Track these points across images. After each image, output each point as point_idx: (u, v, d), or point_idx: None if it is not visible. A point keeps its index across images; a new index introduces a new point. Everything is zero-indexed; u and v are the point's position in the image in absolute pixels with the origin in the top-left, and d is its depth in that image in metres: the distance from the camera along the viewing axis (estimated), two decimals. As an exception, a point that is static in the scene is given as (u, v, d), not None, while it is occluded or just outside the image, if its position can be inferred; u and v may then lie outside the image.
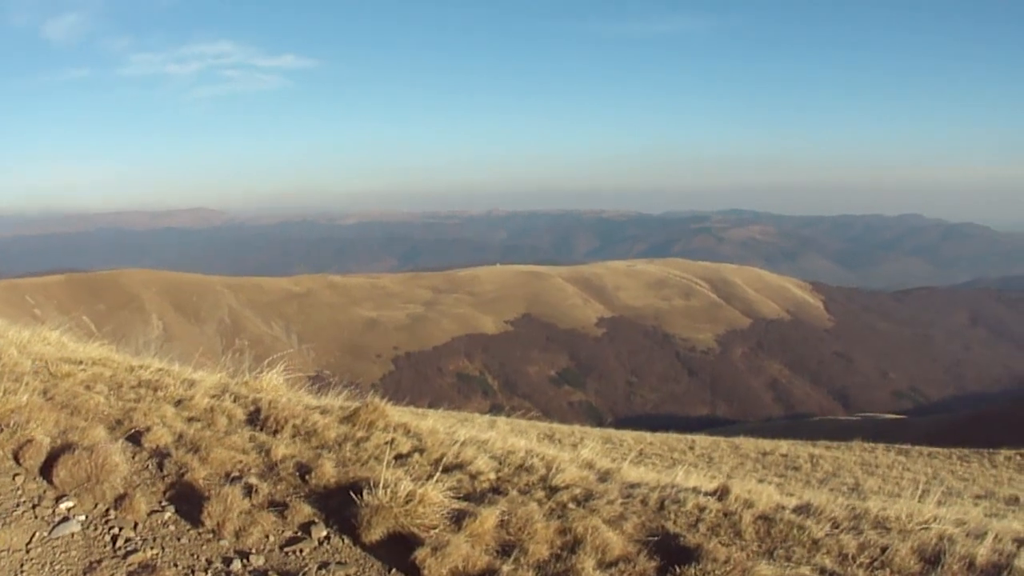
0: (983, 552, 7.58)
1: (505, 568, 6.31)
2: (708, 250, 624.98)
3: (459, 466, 8.76)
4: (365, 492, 7.15)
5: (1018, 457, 38.53)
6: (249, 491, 7.45)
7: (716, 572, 6.49)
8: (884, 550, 7.49)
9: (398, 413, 10.71)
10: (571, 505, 7.85)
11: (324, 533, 7.09)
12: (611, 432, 41.19)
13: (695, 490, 8.67)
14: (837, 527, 8.02)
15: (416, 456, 9.07)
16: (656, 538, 7.26)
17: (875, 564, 7.34)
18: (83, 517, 7.10)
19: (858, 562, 7.34)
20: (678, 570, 6.55)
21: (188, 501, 7.37)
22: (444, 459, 8.79)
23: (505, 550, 6.79)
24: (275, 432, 9.40)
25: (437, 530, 6.90)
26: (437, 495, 7.17)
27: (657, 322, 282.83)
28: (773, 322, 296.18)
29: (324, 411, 10.35)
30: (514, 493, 8.08)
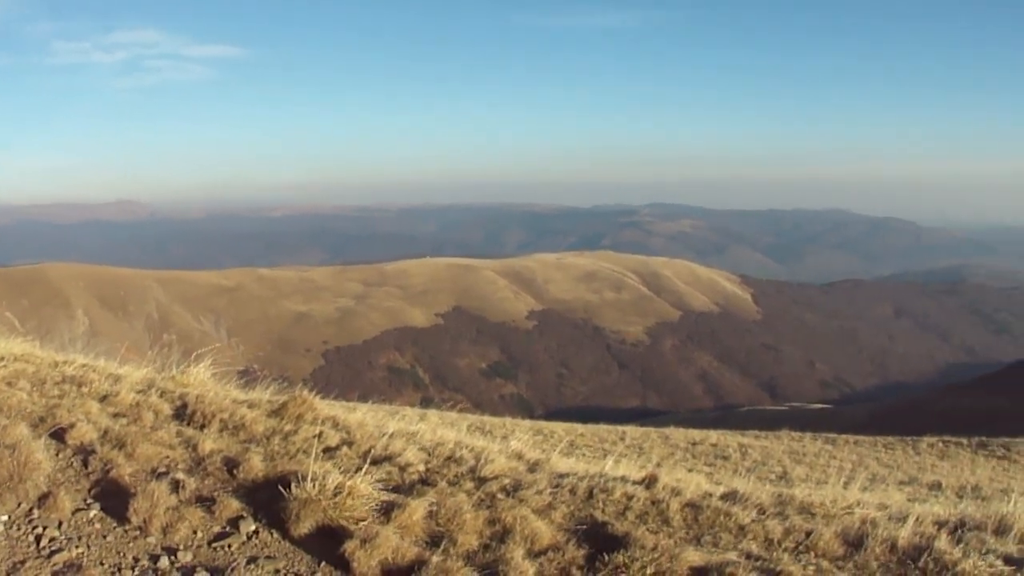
0: (905, 535, 7.71)
1: (434, 559, 6.30)
2: (638, 243, 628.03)
3: (388, 458, 8.73)
4: (294, 486, 7.11)
5: (940, 444, 39.24)
6: (176, 486, 7.38)
7: (644, 559, 6.53)
8: (809, 534, 7.60)
9: (327, 406, 10.67)
10: (500, 495, 7.86)
11: (253, 527, 7.04)
12: (542, 424, 41.38)
13: (623, 479, 8.72)
14: (763, 513, 8.13)
15: (345, 449, 9.03)
16: (585, 527, 7.29)
17: (800, 548, 7.45)
18: (5, 517, 6.99)
19: (783, 546, 7.45)
20: (606, 558, 6.58)
21: (114, 498, 7.28)
22: (373, 451, 8.77)
23: (434, 541, 6.79)
24: (202, 427, 9.32)
25: (366, 522, 6.88)
26: (366, 487, 7.15)
27: (587, 315, 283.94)
28: (703, 314, 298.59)
29: (252, 405, 10.27)
30: (443, 484, 8.08)
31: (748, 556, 7.10)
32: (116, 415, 9.47)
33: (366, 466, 7.69)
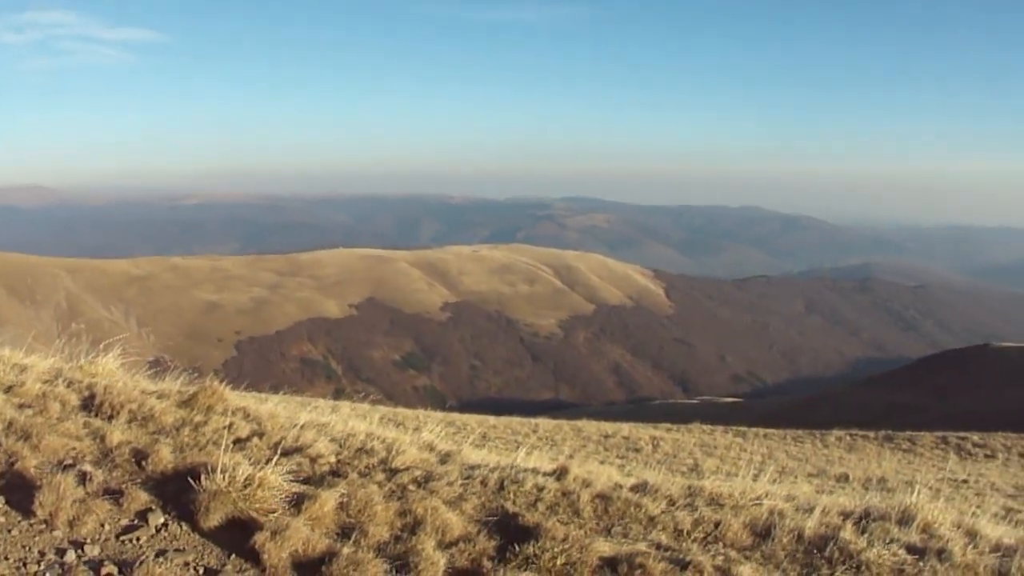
0: (811, 525, 7.87)
1: (345, 551, 6.28)
2: (552, 237, 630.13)
3: (299, 449, 8.70)
4: (203, 477, 7.04)
5: (848, 437, 39.87)
6: (83, 479, 7.26)
7: (554, 550, 6.58)
8: (717, 525, 7.72)
9: (238, 397, 10.59)
10: (411, 487, 7.87)
11: (162, 520, 6.95)
12: (455, 416, 41.26)
13: (534, 471, 8.79)
14: (673, 504, 8.23)
15: (255, 440, 8.97)
16: (496, 518, 7.34)
17: (709, 538, 7.56)
18: (-96, 512, 6.86)
19: (693, 537, 7.56)
20: (517, 549, 6.62)
21: (19, 491, 7.14)
22: (284, 443, 8.73)
23: (345, 532, 6.78)
24: (111, 418, 9.19)
25: (276, 514, 6.84)
26: (276, 479, 7.11)
27: (501, 307, 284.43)
28: (615, 308, 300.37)
29: (161, 396, 10.14)
30: (354, 475, 8.06)
31: (658, 546, 7.19)
32: (21, 406, 9.30)
33: (276, 457, 7.62)
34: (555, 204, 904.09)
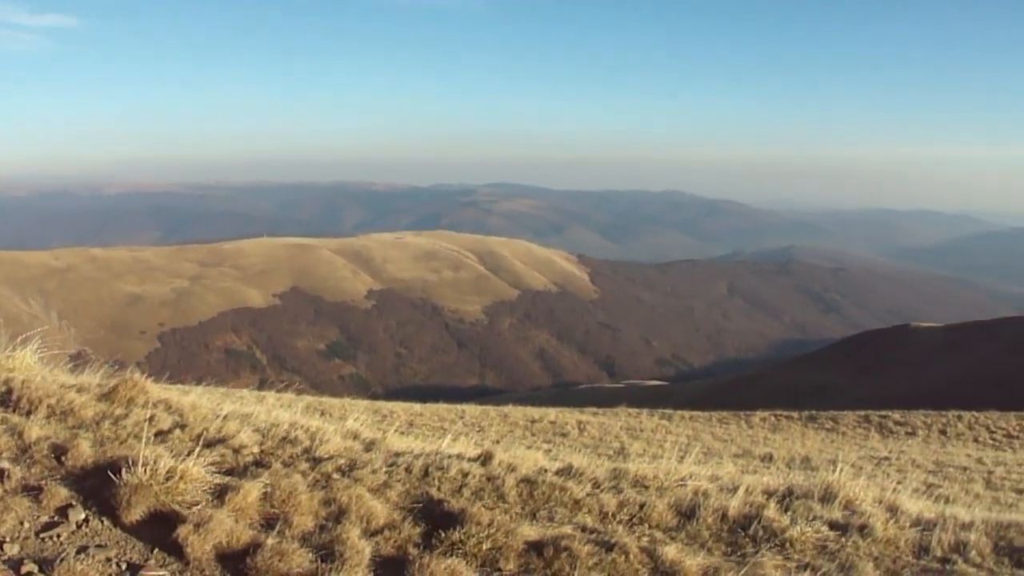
0: (735, 504, 7.97)
1: (270, 541, 6.23)
2: (476, 223, 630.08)
3: (222, 440, 8.61)
4: (124, 471, 6.93)
5: (772, 418, 40.35)
6: (1, 476, 7.15)
7: (480, 535, 6.59)
8: (642, 506, 7.79)
9: (160, 389, 10.46)
10: (335, 475, 7.84)
11: (82, 516, 6.84)
12: (381, 404, 41.13)
13: (459, 457, 8.79)
14: (598, 487, 8.29)
15: (177, 432, 8.87)
16: (421, 504, 7.33)
17: (634, 520, 7.62)
18: None
19: (618, 519, 7.61)
20: (443, 535, 6.62)
21: (-65, 490, 7.03)
22: (206, 434, 8.63)
23: (270, 523, 6.72)
24: (28, 413, 9.03)
25: (199, 506, 6.76)
26: (199, 471, 7.03)
27: (426, 294, 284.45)
28: (540, 293, 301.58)
29: (81, 389, 9.98)
30: (278, 466, 8.00)
31: (583, 529, 7.24)
32: (-66, 404, 9.14)
33: (199, 449, 7.53)
34: (479, 190, 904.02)
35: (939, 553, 7.72)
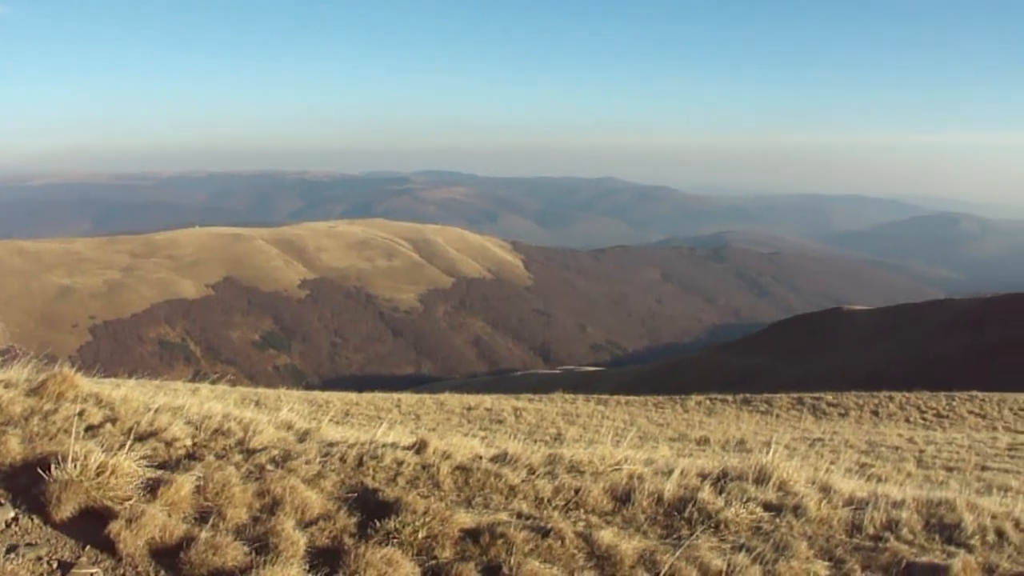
0: (670, 487, 8.04)
1: (203, 535, 6.17)
2: (409, 210, 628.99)
3: (154, 434, 8.51)
4: (54, 467, 6.82)
5: (707, 402, 40.72)
6: (-75, 476, 7.04)
7: (415, 523, 6.58)
8: (578, 492, 7.84)
9: (90, 383, 10.33)
10: (269, 467, 7.78)
11: (12, 514, 6.73)
12: (317, 394, 41.02)
13: (394, 445, 8.78)
14: (533, 473, 8.32)
15: (108, 426, 8.74)
16: (356, 494, 7.30)
17: (570, 505, 7.66)
18: None
19: (553, 505, 7.65)
20: (378, 524, 6.60)
21: None
22: (138, 428, 8.54)
23: (203, 516, 6.65)
24: (-46, 411, 8.90)
25: (131, 501, 6.68)
26: (130, 465, 6.93)
27: (360, 283, 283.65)
28: (475, 281, 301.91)
29: (9, 385, 9.84)
30: (211, 458, 7.94)
31: (519, 515, 7.26)
32: None
33: (130, 443, 7.45)
34: (413, 178, 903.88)
35: (871, 531, 7.85)
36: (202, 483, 6.99)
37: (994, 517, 8.56)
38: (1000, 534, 8.18)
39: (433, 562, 6.28)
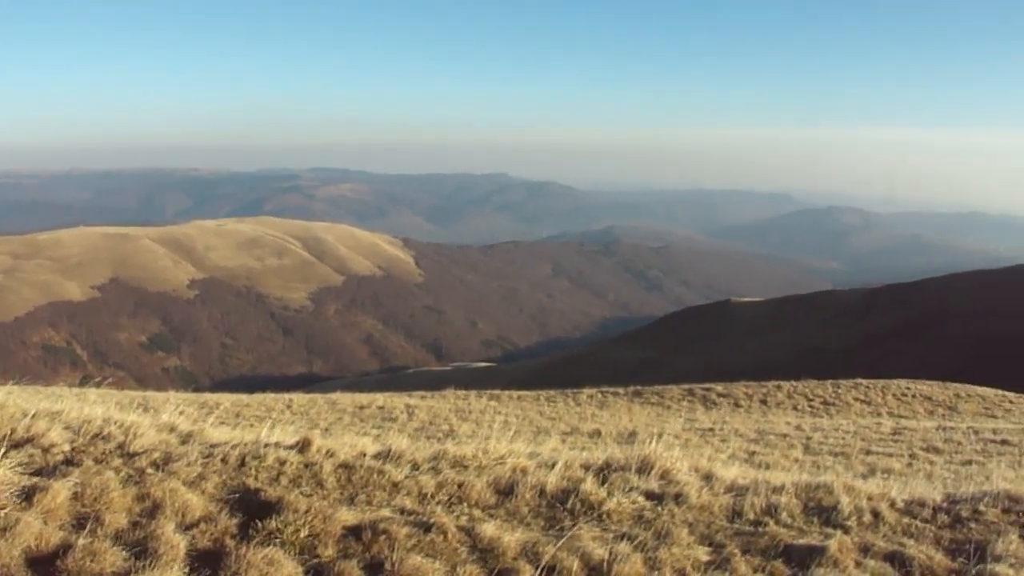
0: (553, 480, 8.16)
1: (81, 541, 6.10)
2: (299, 208, 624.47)
3: (30, 440, 8.34)
4: (-75, 479, 6.72)
5: (599, 395, 41.03)
6: None
7: (297, 522, 6.59)
8: (461, 486, 7.91)
9: (-37, 391, 10.11)
10: (150, 470, 7.69)
11: None
12: (207, 396, 40.62)
13: (277, 445, 8.76)
14: (417, 469, 8.38)
15: (-18, 434, 8.59)
16: (238, 495, 7.27)
17: (453, 500, 7.73)
18: None
19: (437, 500, 7.71)
20: (260, 524, 6.60)
21: None
22: (14, 434, 8.37)
23: (81, 523, 6.55)
24: None
25: (6, 510, 6.55)
26: (4, 473, 6.82)
27: (250, 282, 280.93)
28: (365, 278, 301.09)
29: None
30: (89, 463, 7.81)
31: (402, 511, 7.30)
32: None
33: (4, 450, 7.33)
34: (303, 175, 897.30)
35: (752, 516, 8.06)
36: (80, 489, 6.90)
37: (870, 498, 8.83)
38: (876, 514, 8.45)
39: (316, 561, 6.29)
